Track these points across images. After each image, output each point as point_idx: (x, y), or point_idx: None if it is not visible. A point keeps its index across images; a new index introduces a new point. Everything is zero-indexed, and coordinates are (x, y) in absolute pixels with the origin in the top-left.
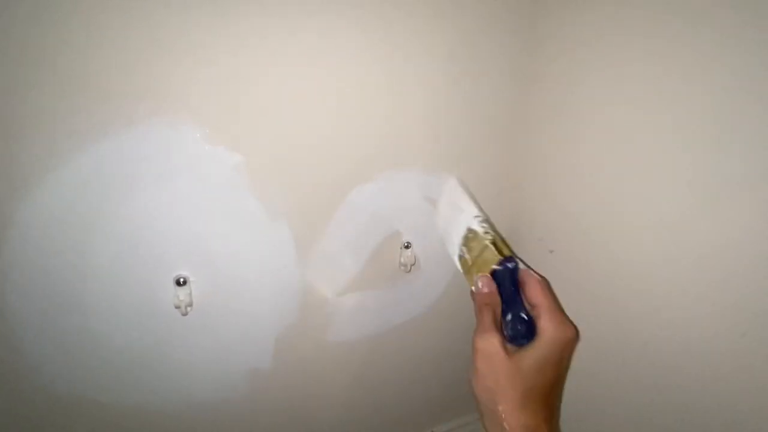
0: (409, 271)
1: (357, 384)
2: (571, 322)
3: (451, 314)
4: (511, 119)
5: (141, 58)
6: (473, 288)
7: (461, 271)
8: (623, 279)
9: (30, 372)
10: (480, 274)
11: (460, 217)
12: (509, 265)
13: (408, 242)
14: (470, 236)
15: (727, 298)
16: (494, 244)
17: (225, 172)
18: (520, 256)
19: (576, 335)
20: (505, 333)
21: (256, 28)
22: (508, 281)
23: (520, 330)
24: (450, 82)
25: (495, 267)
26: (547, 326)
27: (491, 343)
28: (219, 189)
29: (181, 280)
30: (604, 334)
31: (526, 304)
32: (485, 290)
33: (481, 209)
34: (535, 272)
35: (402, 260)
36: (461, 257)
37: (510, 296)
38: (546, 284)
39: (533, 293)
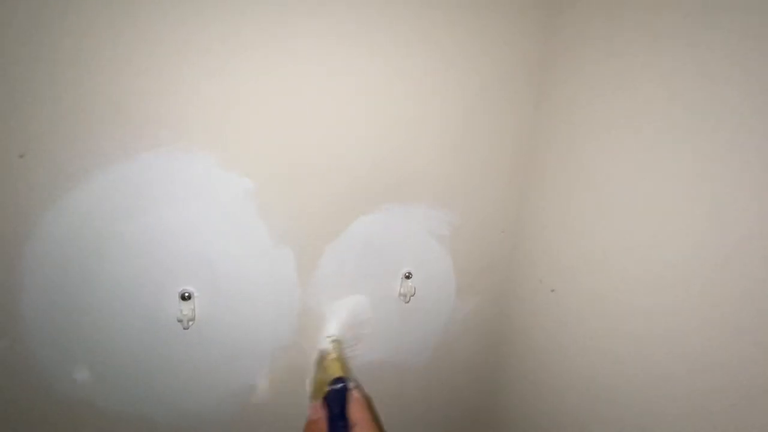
0: (408, 301)
1: None
2: None
3: (449, 345)
4: (516, 166)
5: (164, 86)
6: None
7: (309, 394)
8: (621, 318)
9: (39, 375)
10: (314, 401)
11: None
12: (337, 386)
13: (409, 272)
14: (320, 357)
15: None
16: (335, 362)
17: (236, 196)
18: (521, 295)
19: None
20: None
21: (271, 69)
22: (336, 402)
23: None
24: (460, 130)
25: (328, 388)
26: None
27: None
28: (229, 211)
29: (186, 294)
30: (604, 369)
31: (350, 422)
32: (313, 418)
33: (343, 329)
34: (360, 391)
35: (402, 290)
36: (313, 378)
37: (335, 418)
38: (366, 402)
39: (354, 411)
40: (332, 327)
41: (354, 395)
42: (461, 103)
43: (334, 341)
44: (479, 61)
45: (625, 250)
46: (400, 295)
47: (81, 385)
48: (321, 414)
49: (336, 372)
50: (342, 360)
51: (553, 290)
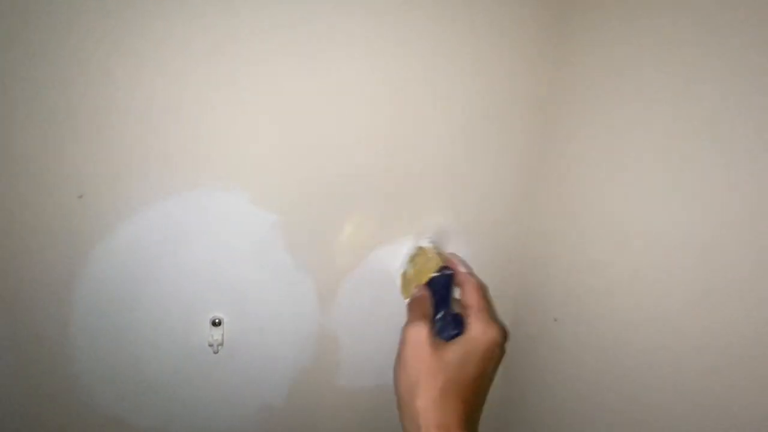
0: None
1: (365, 429)
2: (500, 325)
3: None
4: (519, 195)
5: (205, 132)
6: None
7: (399, 286)
8: (626, 347)
9: (79, 391)
10: (405, 295)
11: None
12: (446, 272)
13: None
14: (416, 253)
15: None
16: (437, 256)
17: (264, 229)
18: (523, 323)
19: (500, 337)
20: (435, 329)
21: (294, 117)
22: (443, 287)
23: (448, 325)
24: (466, 163)
25: (432, 275)
26: (473, 325)
27: (419, 332)
28: (258, 243)
29: (217, 321)
30: (608, 398)
31: (460, 307)
32: (417, 292)
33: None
34: (475, 277)
35: None
36: (404, 273)
37: (443, 299)
38: (482, 288)
39: (468, 295)
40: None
41: (470, 279)
42: (461, 141)
43: (432, 240)
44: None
45: (633, 281)
46: None
47: (118, 404)
48: (425, 291)
49: (439, 262)
50: (443, 254)
51: (555, 319)
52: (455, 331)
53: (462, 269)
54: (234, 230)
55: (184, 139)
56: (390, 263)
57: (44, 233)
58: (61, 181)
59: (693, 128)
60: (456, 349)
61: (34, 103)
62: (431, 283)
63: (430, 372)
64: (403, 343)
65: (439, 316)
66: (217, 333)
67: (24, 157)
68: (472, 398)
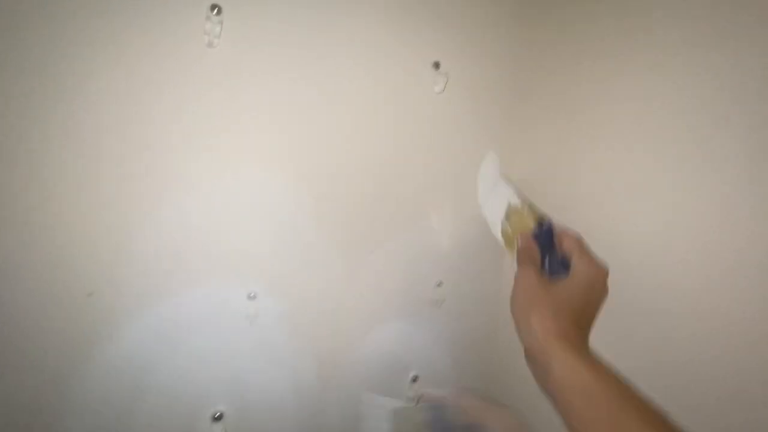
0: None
1: None
2: (602, 263)
3: None
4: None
5: (212, 237)
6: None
7: (503, 243)
8: None
9: None
10: (508, 248)
11: (499, 197)
12: (545, 225)
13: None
14: (510, 211)
15: None
16: (531, 211)
17: (271, 320)
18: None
19: (603, 273)
20: (545, 272)
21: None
22: (545, 239)
23: (556, 267)
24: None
25: (532, 227)
26: (578, 264)
27: (529, 272)
28: (263, 332)
29: (218, 414)
30: None
31: (563, 253)
32: (524, 243)
33: (514, 186)
34: (571, 228)
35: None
36: (503, 231)
37: (547, 248)
38: (580, 237)
39: (568, 244)
40: (508, 188)
41: (568, 229)
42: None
43: (519, 195)
44: None
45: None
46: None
47: None
48: (531, 241)
49: (533, 215)
50: (533, 207)
51: None
52: (563, 272)
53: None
54: (233, 324)
55: (191, 243)
56: (390, 347)
57: (56, 328)
58: (73, 280)
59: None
60: (565, 284)
61: (51, 207)
62: (535, 235)
63: (543, 302)
64: (515, 281)
65: (546, 262)
66: (217, 428)
67: (40, 258)
68: (582, 323)
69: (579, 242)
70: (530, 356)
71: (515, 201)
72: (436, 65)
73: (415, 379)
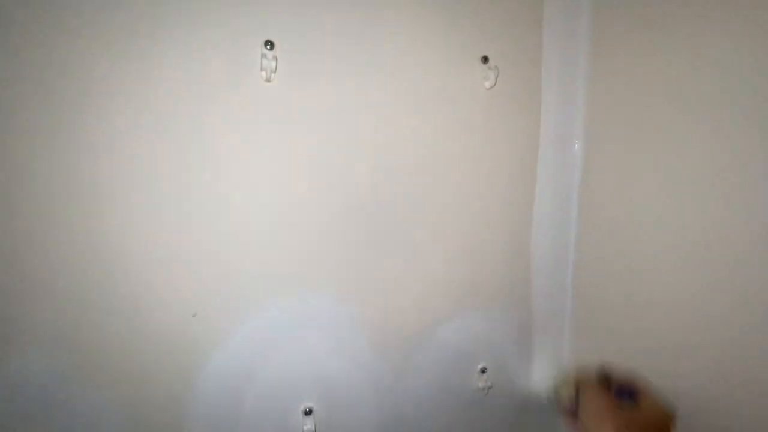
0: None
1: None
2: (670, 405)
3: None
4: None
5: (303, 255)
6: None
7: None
8: None
9: None
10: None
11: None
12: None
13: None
14: (562, 379)
15: None
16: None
17: (347, 321)
18: None
19: (671, 415)
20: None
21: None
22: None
23: (623, 391)
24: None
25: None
26: (645, 396)
27: (600, 391)
28: (341, 332)
29: (308, 409)
30: None
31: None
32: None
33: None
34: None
35: (479, 384)
36: (561, 394)
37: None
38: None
39: (628, 378)
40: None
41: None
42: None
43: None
44: None
45: None
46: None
47: None
48: (605, 395)
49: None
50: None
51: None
52: (628, 399)
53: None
54: (321, 328)
55: (282, 262)
56: (456, 338)
57: (164, 346)
58: (179, 303)
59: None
60: (636, 405)
61: (161, 241)
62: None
63: (617, 416)
64: (587, 401)
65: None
66: (309, 422)
67: (146, 284)
68: None
69: (646, 387)
70: None
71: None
72: (485, 59)
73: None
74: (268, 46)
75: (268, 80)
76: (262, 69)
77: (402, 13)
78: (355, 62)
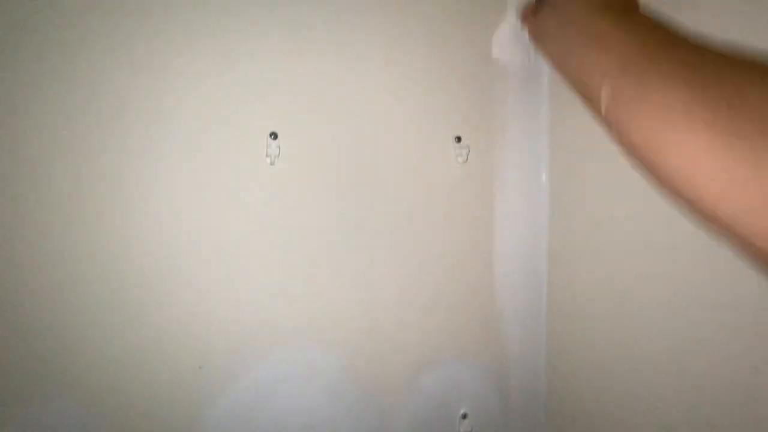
0: None
1: None
2: None
3: None
4: None
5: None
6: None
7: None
8: None
9: None
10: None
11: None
12: None
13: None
14: None
15: None
16: None
17: (333, 373)
18: None
19: None
20: None
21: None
22: None
23: None
24: None
25: None
26: None
27: None
28: (329, 385)
29: None
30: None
31: None
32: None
33: None
34: None
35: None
36: None
37: None
38: None
39: None
40: None
41: None
42: None
43: None
44: None
45: None
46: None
47: None
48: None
49: None
50: None
51: None
52: None
53: None
54: (310, 381)
55: (286, 318)
56: (438, 385)
57: (169, 398)
58: (185, 355)
59: None
60: None
61: (164, 290)
62: None
63: None
64: None
65: None
66: None
67: (153, 336)
68: None
69: None
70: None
71: None
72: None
73: None
74: (272, 137)
75: (272, 164)
76: (267, 156)
77: (387, 104)
78: (345, 144)
